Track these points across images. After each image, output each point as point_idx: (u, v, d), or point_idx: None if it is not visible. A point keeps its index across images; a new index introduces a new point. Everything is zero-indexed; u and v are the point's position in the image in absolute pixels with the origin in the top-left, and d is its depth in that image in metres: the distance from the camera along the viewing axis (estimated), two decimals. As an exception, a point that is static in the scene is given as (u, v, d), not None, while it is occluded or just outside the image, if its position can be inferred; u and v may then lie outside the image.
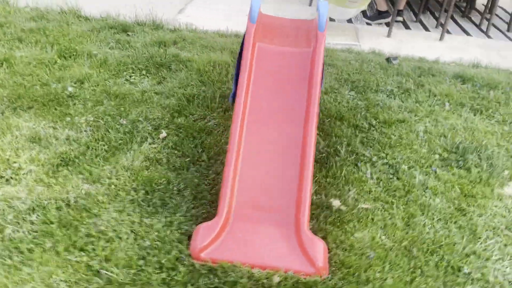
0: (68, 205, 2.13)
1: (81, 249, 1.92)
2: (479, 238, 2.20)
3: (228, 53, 3.87)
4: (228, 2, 5.77)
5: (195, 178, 2.39)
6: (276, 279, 1.86)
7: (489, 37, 5.46)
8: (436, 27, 5.52)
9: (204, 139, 2.70)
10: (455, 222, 2.28)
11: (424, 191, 2.48)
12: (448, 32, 5.28)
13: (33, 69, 3.26)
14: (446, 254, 2.08)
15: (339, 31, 5.06)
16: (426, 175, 2.62)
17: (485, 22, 5.74)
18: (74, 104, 2.93)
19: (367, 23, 5.42)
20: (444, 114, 3.28)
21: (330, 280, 1.88)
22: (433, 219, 2.29)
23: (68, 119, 2.78)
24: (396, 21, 5.48)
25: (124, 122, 2.79)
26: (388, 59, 4.15)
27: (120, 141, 2.61)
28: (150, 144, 2.62)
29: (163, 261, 1.89)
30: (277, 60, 2.39)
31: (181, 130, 2.77)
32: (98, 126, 2.73)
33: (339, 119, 3.04)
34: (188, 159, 2.53)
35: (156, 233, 2.03)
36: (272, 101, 2.32)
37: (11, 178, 2.28)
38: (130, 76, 3.37)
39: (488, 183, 2.57)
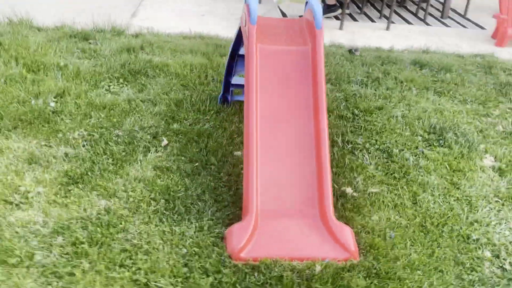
0: (91, 223, 2.08)
1: (121, 265, 1.89)
2: (476, 207, 2.45)
3: (200, 55, 3.88)
4: (178, 3, 5.73)
5: (210, 182, 2.42)
6: (317, 268, 1.96)
7: (427, 24, 5.91)
8: (380, 17, 5.88)
9: (206, 142, 2.72)
10: (452, 196, 2.52)
11: (418, 170, 2.70)
12: (392, 22, 5.65)
13: (4, 87, 3.07)
14: (454, 225, 2.30)
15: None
16: (416, 155, 2.84)
17: (421, 11, 6.21)
18: (62, 119, 2.81)
19: (318, 17, 5.64)
20: (414, 98, 3.55)
21: (364, 262, 2.01)
22: (434, 195, 2.51)
23: (60, 135, 2.66)
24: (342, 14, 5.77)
25: (120, 133, 2.74)
26: (350, 51, 4.38)
27: (123, 153, 2.56)
28: (154, 153, 2.60)
29: (207, 266, 1.92)
30: (279, 60, 2.48)
31: (180, 136, 2.77)
32: (95, 140, 2.65)
33: (327, 112, 3.19)
34: (197, 164, 2.54)
35: (190, 240, 2.04)
36: (280, 99, 2.41)
37: (21, 202, 2.16)
38: (109, 86, 3.28)
39: (470, 157, 2.84)
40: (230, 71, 2.97)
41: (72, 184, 2.30)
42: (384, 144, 2.92)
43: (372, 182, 2.55)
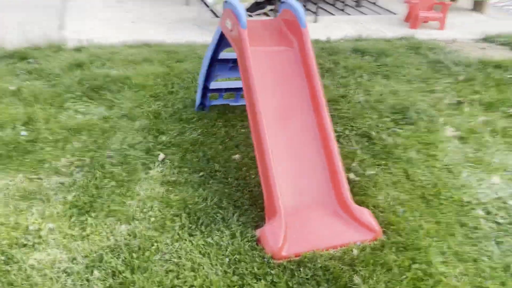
0: (122, 250, 1.99)
1: (173, 286, 1.84)
2: (456, 173, 2.76)
3: (158, 64, 3.79)
4: (102, 12, 5.48)
5: (222, 189, 2.43)
6: (355, 252, 2.09)
7: (348, 14, 6.33)
8: (305, 11, 6.16)
9: (203, 151, 2.70)
10: (434, 166, 2.80)
11: (398, 148, 2.95)
12: (315, 14, 5.95)
13: (-42, 121, 2.75)
14: (446, 192, 2.57)
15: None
16: (390, 135, 3.09)
17: (338, 2, 6.62)
18: (41, 148, 2.61)
19: (249, 15, 5.75)
20: (368, 83, 3.83)
21: (391, 239, 2.19)
22: (420, 168, 2.77)
23: (46, 165, 2.48)
24: (270, 10, 5.95)
25: (111, 153, 2.61)
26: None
27: (124, 174, 2.45)
28: (155, 168, 2.53)
29: (255, 270, 1.95)
30: (270, 61, 2.54)
31: (173, 148, 2.72)
32: (88, 165, 2.50)
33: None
34: (202, 173, 2.53)
35: (229, 248, 2.05)
36: (279, 98, 2.48)
37: (35, 243, 2.00)
38: (75, 106, 3.09)
39: (435, 131, 3.17)
40: (208, 77, 2.96)
41: (84, 214, 2.17)
42: (360, 129, 3.13)
43: (365, 165, 2.75)
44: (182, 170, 2.54)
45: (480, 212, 2.46)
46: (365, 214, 2.27)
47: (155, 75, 3.56)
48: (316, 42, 4.81)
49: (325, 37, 4.99)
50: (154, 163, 2.58)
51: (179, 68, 3.73)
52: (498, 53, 4.86)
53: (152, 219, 2.18)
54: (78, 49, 4.05)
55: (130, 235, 2.08)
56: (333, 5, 6.62)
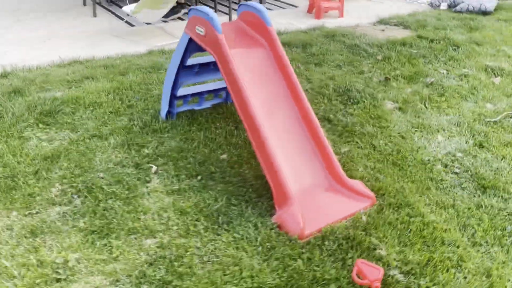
0: (159, 262, 2.01)
1: (226, 282, 1.93)
2: (409, 138, 3.19)
3: (103, 80, 3.68)
4: (11, 33, 5.07)
5: (226, 188, 2.53)
6: (364, 219, 2.37)
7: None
8: (215, 12, 6.32)
9: (190, 156, 2.76)
10: (390, 135, 3.20)
11: (356, 126, 3.30)
12: (222, 13, 6.15)
13: None
14: (409, 155, 2.97)
15: (150, 34, 5.25)
16: (345, 116, 3.44)
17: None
18: (24, 182, 2.45)
19: (163, 21, 5.74)
20: (306, 73, 4.15)
21: (385, 201, 2.50)
22: (381, 139, 3.14)
23: (38, 198, 2.34)
24: (185, 13, 6.01)
25: (102, 175, 2.54)
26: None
27: (126, 192, 2.42)
28: (154, 181, 2.53)
29: (290, 252, 2.11)
30: (245, 61, 2.69)
31: (160, 159, 2.73)
32: (83, 189, 2.42)
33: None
34: (200, 176, 2.59)
35: (258, 239, 2.18)
36: (262, 95, 2.64)
37: (69, 275, 1.92)
38: (35, 134, 2.91)
39: (379, 106, 3.59)
40: (175, 85, 3.00)
41: (104, 237, 2.13)
42: (318, 114, 3.42)
43: (338, 143, 3.04)
44: (180, 178, 2.58)
45: (439, 167, 2.91)
46: (359, 185, 2.56)
47: (105, 91, 3.47)
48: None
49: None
50: (149, 176, 2.58)
51: (126, 81, 3.67)
52: (396, 33, 5.55)
53: (175, 227, 2.22)
54: (4, 76, 3.74)
55: (160, 247, 2.10)
56: (237, 3, 6.86)
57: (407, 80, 4.12)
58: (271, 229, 2.26)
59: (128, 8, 4.98)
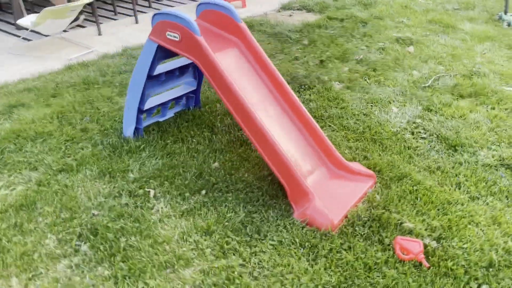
0: (213, 287, 1.86)
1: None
2: (370, 114, 3.36)
3: (36, 106, 3.19)
4: None
5: (236, 196, 2.40)
6: (377, 197, 2.45)
7: (155, 8, 6.32)
8: (115, 14, 5.88)
9: (182, 171, 2.56)
10: (354, 114, 3.34)
11: (320, 110, 3.37)
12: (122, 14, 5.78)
13: None
14: (381, 130, 3.13)
15: (54, 47, 4.69)
16: (305, 102, 3.49)
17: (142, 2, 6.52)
18: (8, 241, 2.03)
19: (64, 30, 5.18)
20: (277, 61, 4.14)
21: (386, 176, 2.61)
22: (348, 119, 3.26)
23: (36, 256, 1.98)
24: (88, 20, 5.50)
25: (96, 213, 2.24)
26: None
27: (135, 225, 2.16)
28: (158, 206, 2.30)
29: (331, 245, 2.10)
30: (225, 61, 2.55)
31: (153, 181, 2.49)
32: (85, 234, 2.10)
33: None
34: (204, 191, 2.43)
35: (296, 240, 2.12)
36: (251, 92, 2.55)
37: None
38: (-12, 182, 2.44)
39: (330, 88, 3.71)
40: (142, 98, 2.74)
41: (138, 277, 1.88)
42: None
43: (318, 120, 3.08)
44: (185, 196, 2.38)
45: (408, 135, 3.12)
46: (359, 166, 2.64)
47: (47, 118, 3.03)
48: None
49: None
50: (150, 201, 2.34)
51: (64, 103, 3.25)
52: (305, 16, 5.75)
53: (208, 250, 2.06)
54: None
55: (204, 273, 1.94)
56: (141, 5, 6.46)
57: (340, 60, 4.32)
58: (302, 227, 2.22)
59: (26, 21, 4.39)
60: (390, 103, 3.54)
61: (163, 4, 6.52)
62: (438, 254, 2.10)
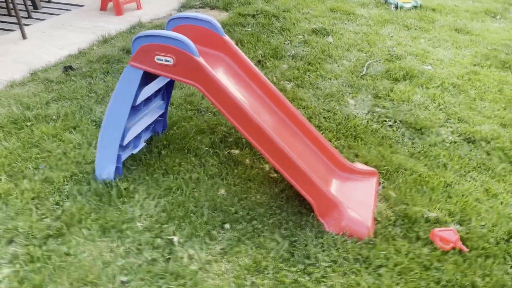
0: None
1: None
2: (331, 110, 3.41)
3: None
4: None
5: (263, 222, 2.24)
6: (392, 194, 2.50)
7: (40, 19, 5.51)
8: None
9: (193, 207, 2.29)
10: (320, 113, 3.36)
11: (291, 102, 3.31)
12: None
13: None
14: (353, 124, 3.20)
15: None
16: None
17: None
18: None
19: None
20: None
21: (385, 171, 2.69)
22: (318, 119, 3.26)
23: None
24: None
25: (125, 279, 1.88)
26: (66, 68, 3.84)
27: (180, 281, 1.88)
28: (186, 253, 2.03)
29: (382, 254, 2.09)
30: (221, 74, 2.34)
31: (165, 227, 2.18)
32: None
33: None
34: (227, 223, 2.22)
35: (349, 256, 2.07)
36: (257, 108, 2.39)
37: None
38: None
39: (282, 87, 3.67)
40: (124, 134, 2.37)
41: None
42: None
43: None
44: (211, 235, 2.14)
45: (377, 125, 3.26)
46: (361, 165, 2.67)
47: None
48: (82, 54, 4.18)
49: (74, 49, 4.38)
50: (175, 247, 2.05)
51: (4, 151, 2.66)
52: (213, 14, 5.58)
53: (273, 276, 1.89)
54: None
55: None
56: (25, 17, 5.54)
57: (275, 58, 4.29)
58: (343, 241, 2.17)
59: None
60: (343, 95, 3.64)
61: (44, 13, 5.72)
62: (468, 237, 2.24)
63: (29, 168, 2.54)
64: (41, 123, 2.98)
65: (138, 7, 5.98)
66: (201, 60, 2.15)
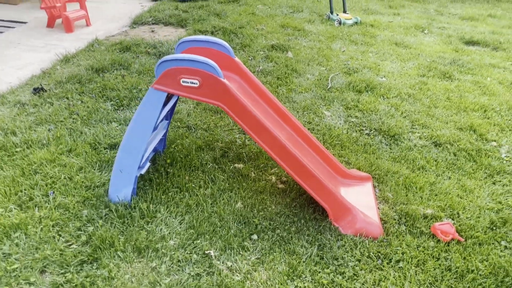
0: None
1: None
2: (312, 122, 3.65)
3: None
4: None
5: (288, 231, 2.38)
6: (390, 195, 2.77)
7: None
8: None
9: (217, 221, 2.37)
10: (306, 124, 3.57)
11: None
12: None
13: None
14: (335, 135, 3.45)
15: None
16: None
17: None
18: None
19: None
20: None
21: (377, 175, 2.95)
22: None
23: None
24: None
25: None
26: (36, 89, 3.68)
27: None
28: (225, 267, 2.11)
29: (400, 249, 2.33)
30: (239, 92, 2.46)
31: (196, 241, 2.24)
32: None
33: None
34: (255, 234, 2.33)
35: (370, 254, 2.28)
36: (267, 118, 2.54)
37: None
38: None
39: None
40: (142, 156, 2.39)
41: None
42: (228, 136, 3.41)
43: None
44: (244, 246, 2.24)
45: (356, 134, 3.54)
46: (357, 171, 2.92)
47: (2, 207, 2.33)
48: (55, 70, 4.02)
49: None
50: (213, 261, 2.12)
51: (3, 182, 2.53)
52: (170, 31, 5.62)
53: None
54: None
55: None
56: None
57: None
58: (361, 241, 2.38)
59: None
60: (319, 108, 3.90)
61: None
62: (461, 228, 2.57)
63: (38, 196, 2.45)
64: (33, 148, 2.87)
65: (87, 24, 5.84)
66: (226, 82, 2.26)
